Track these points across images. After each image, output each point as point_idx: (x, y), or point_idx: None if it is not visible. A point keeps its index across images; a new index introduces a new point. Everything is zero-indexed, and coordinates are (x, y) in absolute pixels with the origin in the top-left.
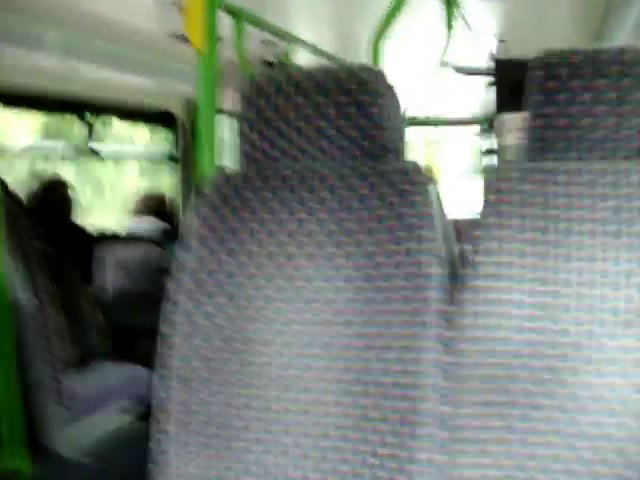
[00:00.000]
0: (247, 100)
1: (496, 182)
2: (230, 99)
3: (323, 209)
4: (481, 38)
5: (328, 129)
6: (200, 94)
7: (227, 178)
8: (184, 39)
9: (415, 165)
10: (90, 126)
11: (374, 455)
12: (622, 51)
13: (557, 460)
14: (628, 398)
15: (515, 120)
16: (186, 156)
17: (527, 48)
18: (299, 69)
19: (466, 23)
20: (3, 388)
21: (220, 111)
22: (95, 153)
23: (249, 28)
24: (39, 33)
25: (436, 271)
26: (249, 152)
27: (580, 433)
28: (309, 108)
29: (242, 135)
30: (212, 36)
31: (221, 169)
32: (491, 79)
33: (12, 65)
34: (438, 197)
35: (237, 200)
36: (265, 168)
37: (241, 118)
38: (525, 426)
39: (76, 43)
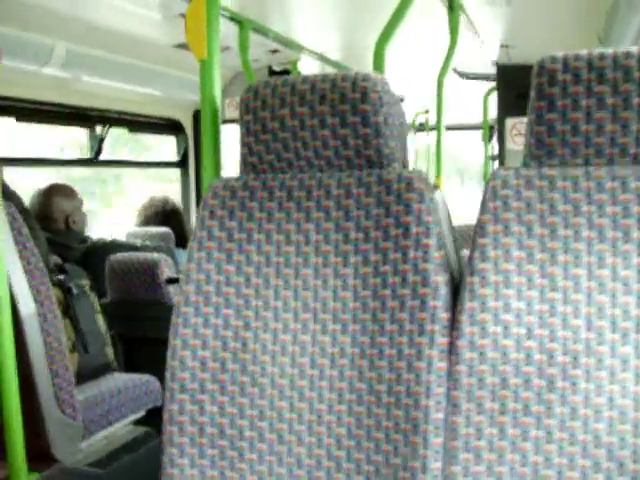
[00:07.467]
0: (251, 111)
1: (499, 189)
2: (235, 108)
3: (328, 221)
4: (485, 43)
5: (332, 139)
6: (203, 102)
7: (233, 191)
8: (188, 47)
9: (419, 174)
10: (100, 136)
11: (387, 465)
12: (623, 56)
13: (573, 467)
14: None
15: (518, 125)
16: (195, 164)
17: (531, 53)
18: (302, 79)
19: (470, 29)
20: (7, 399)
21: (225, 120)
22: (104, 162)
23: (256, 37)
24: (48, 46)
25: (442, 280)
26: (254, 163)
27: (595, 440)
28: (313, 119)
29: (246, 146)
30: (214, 44)
31: (226, 180)
32: (494, 84)
33: (23, 78)
34: (443, 205)
35: (243, 212)
36: (270, 179)
37: (245, 129)
38: (540, 433)
39: (84, 55)
